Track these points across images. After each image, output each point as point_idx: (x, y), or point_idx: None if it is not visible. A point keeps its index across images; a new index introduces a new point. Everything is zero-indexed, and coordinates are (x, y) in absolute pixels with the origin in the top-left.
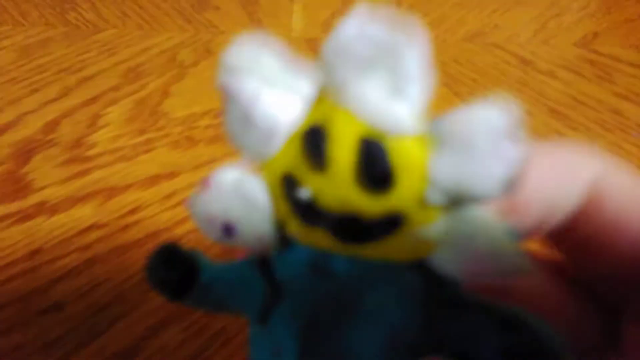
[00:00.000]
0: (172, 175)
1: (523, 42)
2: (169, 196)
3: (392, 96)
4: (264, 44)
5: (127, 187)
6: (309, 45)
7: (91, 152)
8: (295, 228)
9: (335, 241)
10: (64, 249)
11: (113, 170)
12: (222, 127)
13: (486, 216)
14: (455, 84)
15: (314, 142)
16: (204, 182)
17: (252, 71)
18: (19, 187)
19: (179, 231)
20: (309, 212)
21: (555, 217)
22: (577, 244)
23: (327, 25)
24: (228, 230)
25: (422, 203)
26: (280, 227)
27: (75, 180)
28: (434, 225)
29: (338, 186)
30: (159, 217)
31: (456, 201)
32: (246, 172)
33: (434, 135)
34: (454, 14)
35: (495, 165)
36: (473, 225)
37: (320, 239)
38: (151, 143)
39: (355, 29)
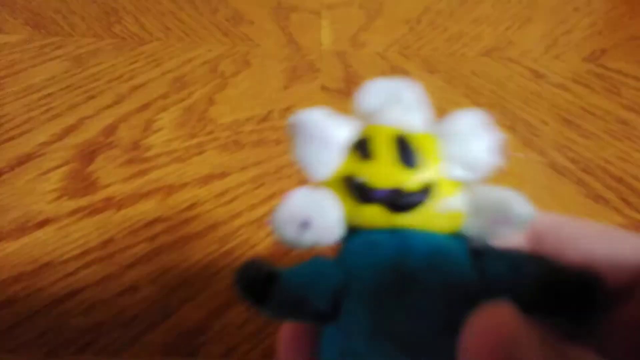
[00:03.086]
0: (223, 175)
1: (536, 57)
2: (222, 193)
3: (407, 113)
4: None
5: (184, 186)
6: (339, 58)
7: (148, 154)
8: (354, 212)
9: (386, 214)
10: (133, 239)
11: (169, 170)
12: (267, 134)
13: (494, 187)
14: (475, 95)
15: (362, 144)
16: (283, 196)
17: (314, 112)
18: (87, 184)
19: (234, 224)
20: (364, 192)
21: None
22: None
23: (355, 40)
24: (305, 224)
25: (444, 177)
26: (344, 220)
27: (137, 179)
28: (457, 198)
29: (384, 169)
30: (215, 211)
31: (469, 175)
32: (314, 188)
33: (440, 131)
34: (471, 30)
35: (484, 141)
36: (486, 193)
37: (374, 214)
38: (202, 146)
39: (379, 85)
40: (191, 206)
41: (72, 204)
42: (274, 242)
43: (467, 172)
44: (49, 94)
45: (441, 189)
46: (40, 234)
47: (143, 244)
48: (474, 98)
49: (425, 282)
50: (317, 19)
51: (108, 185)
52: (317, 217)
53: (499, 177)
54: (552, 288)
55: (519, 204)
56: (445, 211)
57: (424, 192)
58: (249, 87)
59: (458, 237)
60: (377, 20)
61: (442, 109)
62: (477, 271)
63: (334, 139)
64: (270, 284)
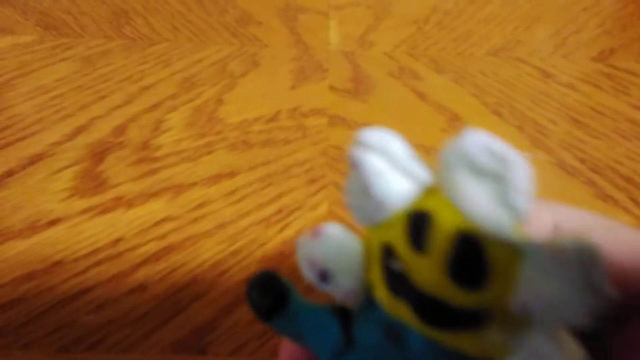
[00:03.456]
0: (232, 174)
1: (544, 57)
2: (231, 193)
3: (500, 203)
4: (393, 134)
5: (193, 185)
6: (347, 58)
7: (158, 154)
8: (382, 294)
9: (415, 318)
10: (143, 238)
11: (179, 169)
12: (276, 134)
13: (566, 340)
14: (483, 94)
15: (418, 225)
16: (316, 231)
17: (381, 151)
18: (97, 183)
19: (243, 223)
20: (398, 282)
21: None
22: None
23: (363, 40)
24: (323, 276)
25: (507, 310)
26: (368, 288)
27: (146, 178)
28: (513, 334)
29: (431, 270)
30: (224, 211)
31: (539, 318)
32: (352, 233)
33: (529, 250)
34: (479, 30)
35: (587, 295)
36: (551, 346)
37: (402, 311)
38: (211, 146)
39: (479, 140)
40: (200, 205)
41: (83, 203)
42: (282, 241)
43: (539, 314)
44: (60, 95)
45: (497, 322)
46: (51, 232)
47: (152, 242)
48: (482, 98)
49: None
50: (325, 20)
51: (118, 185)
52: (339, 274)
53: None
54: None
55: None
56: (490, 343)
57: (471, 319)
58: (257, 87)
59: None
60: (385, 20)
61: (449, 109)
62: None
63: (388, 200)
64: (278, 304)
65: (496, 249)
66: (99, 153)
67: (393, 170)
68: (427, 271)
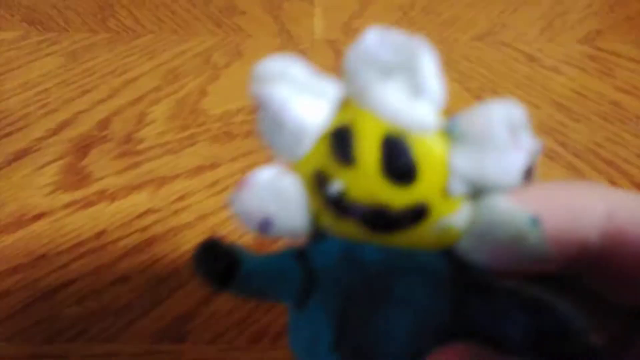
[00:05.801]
0: (214, 166)
1: (530, 40)
2: (212, 184)
3: (413, 96)
4: (290, 58)
5: (175, 177)
6: (331, 47)
7: (141, 147)
8: (327, 220)
9: (365, 231)
10: (126, 230)
11: (161, 162)
12: (256, 125)
13: (507, 205)
14: (465, 80)
15: (341, 140)
16: (242, 182)
17: (281, 79)
18: (80, 177)
19: (224, 215)
20: (339, 204)
21: (572, 251)
22: (602, 274)
23: (347, 27)
24: (265, 224)
25: (445, 194)
26: (314, 220)
27: (129, 171)
28: (457, 215)
29: (365, 180)
30: (206, 202)
31: (477, 191)
32: (281, 171)
33: (453, 130)
34: (465, 15)
35: (514, 155)
36: (495, 214)
37: (351, 229)
38: (194, 138)
39: (377, 37)
40: (182, 197)
41: (67, 197)
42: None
43: (476, 191)
44: (45, 90)
45: (438, 209)
46: (35, 227)
47: (135, 235)
48: (465, 83)
49: (399, 304)
50: (310, 7)
51: (101, 178)
52: (280, 217)
53: None
54: (537, 343)
55: (535, 238)
56: (439, 230)
57: (414, 214)
58: (240, 78)
59: (445, 255)
60: (371, 6)
61: None
62: (456, 310)
63: (304, 126)
64: (231, 271)
65: (420, 142)
66: (82, 147)
67: (300, 96)
68: (362, 181)
